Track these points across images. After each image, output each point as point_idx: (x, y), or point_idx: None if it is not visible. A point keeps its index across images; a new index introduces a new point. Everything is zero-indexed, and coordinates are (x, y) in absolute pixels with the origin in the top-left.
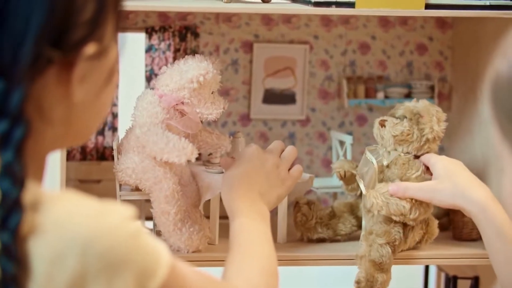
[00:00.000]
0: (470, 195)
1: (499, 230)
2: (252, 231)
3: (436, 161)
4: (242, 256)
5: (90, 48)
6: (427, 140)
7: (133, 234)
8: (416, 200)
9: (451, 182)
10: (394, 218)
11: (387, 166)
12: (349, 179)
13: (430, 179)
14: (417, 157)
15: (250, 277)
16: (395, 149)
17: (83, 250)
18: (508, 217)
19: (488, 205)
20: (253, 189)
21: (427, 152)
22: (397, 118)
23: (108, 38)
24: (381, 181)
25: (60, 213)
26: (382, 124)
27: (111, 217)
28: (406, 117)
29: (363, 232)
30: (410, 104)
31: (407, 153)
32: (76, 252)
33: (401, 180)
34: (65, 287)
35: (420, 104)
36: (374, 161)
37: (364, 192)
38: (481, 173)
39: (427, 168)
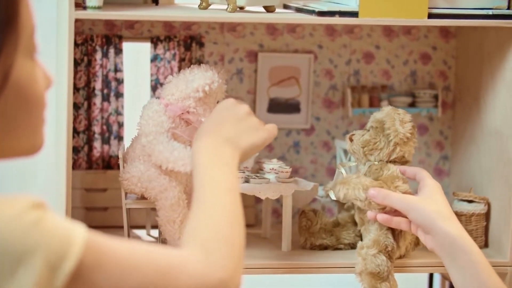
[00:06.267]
0: (443, 227)
1: (471, 259)
2: (210, 185)
3: (429, 181)
4: (196, 214)
5: None
6: (396, 143)
7: (33, 221)
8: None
9: (435, 204)
10: (355, 202)
11: (364, 175)
12: None
13: (405, 179)
14: (391, 162)
15: (203, 237)
16: (369, 160)
17: None
18: (478, 248)
19: (460, 237)
20: (219, 137)
21: (402, 156)
22: (367, 130)
23: None
24: None
25: None
26: (351, 139)
27: (8, 209)
28: (372, 127)
29: (357, 248)
30: (376, 114)
31: (380, 160)
32: None
33: (376, 179)
34: None
35: (384, 112)
36: (343, 171)
37: (342, 170)
38: (485, 182)
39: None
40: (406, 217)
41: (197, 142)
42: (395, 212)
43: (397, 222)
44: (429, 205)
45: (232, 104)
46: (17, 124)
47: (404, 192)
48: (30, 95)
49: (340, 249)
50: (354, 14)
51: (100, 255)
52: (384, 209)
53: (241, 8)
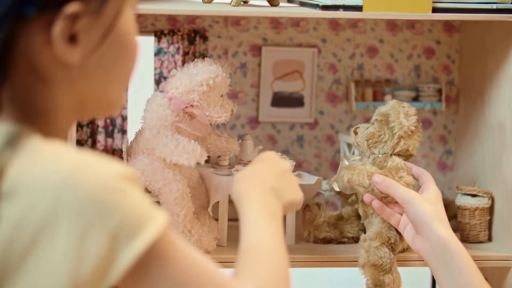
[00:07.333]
0: (438, 230)
1: (462, 266)
2: (263, 232)
3: (432, 187)
4: (253, 260)
5: (71, 7)
6: (400, 136)
7: (119, 188)
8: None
9: (434, 208)
10: (358, 188)
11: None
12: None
13: (409, 171)
14: (395, 155)
15: (260, 283)
16: (373, 153)
17: (60, 189)
18: (469, 255)
19: (454, 243)
20: (265, 185)
21: (407, 149)
22: (372, 123)
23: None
24: None
25: (48, 153)
26: (355, 132)
27: (100, 169)
28: (377, 120)
29: (360, 241)
30: (381, 107)
31: (384, 153)
32: (53, 188)
33: (380, 168)
34: (36, 223)
35: (389, 105)
36: (346, 162)
37: (346, 163)
38: (488, 176)
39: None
40: (401, 213)
41: (241, 185)
42: (395, 204)
43: (389, 214)
44: (430, 206)
45: (275, 157)
46: (112, 75)
47: (408, 184)
48: (128, 46)
49: (344, 242)
50: (358, 8)
51: (171, 247)
52: (386, 198)
53: (245, 2)
